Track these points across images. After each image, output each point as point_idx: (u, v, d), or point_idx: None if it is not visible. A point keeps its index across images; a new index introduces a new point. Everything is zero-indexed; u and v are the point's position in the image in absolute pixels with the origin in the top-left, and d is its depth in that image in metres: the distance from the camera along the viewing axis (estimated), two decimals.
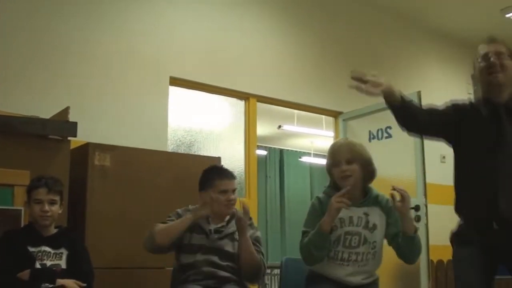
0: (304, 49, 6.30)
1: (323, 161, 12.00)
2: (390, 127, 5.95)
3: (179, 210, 3.66)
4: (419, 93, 5.67)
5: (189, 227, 3.53)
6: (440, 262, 6.40)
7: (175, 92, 5.36)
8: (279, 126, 10.26)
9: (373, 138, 6.09)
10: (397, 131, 5.83)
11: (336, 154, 3.38)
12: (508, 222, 2.87)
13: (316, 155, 12.56)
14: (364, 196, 3.35)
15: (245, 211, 3.56)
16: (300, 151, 12.96)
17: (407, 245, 3.25)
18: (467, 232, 3.04)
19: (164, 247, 3.50)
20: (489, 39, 3.27)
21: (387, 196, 3.31)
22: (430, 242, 5.50)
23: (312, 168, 13.15)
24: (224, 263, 3.55)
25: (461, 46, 8.10)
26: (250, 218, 3.66)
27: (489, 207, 2.92)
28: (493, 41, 3.24)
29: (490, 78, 3.13)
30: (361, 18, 6.92)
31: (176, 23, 5.39)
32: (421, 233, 5.38)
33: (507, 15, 7.22)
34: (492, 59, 3.12)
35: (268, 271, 10.16)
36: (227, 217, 3.68)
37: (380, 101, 6.16)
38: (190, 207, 3.68)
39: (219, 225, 3.65)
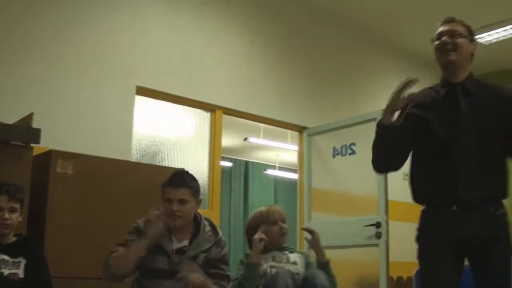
0: (271, 63, 6.32)
1: (288, 174, 12.12)
2: (354, 144, 6.00)
3: (140, 223, 3.38)
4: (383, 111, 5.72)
5: (150, 249, 3.29)
6: (399, 278, 6.45)
7: (141, 102, 5.34)
8: (245, 138, 10.27)
9: (337, 154, 6.13)
10: (361, 148, 5.92)
11: (271, 214, 3.91)
12: (466, 203, 2.89)
13: (281, 168, 12.61)
14: (283, 245, 3.90)
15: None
16: (265, 164, 12.99)
17: (324, 271, 3.69)
18: (429, 226, 3.03)
19: (123, 276, 3.33)
20: (446, 19, 3.29)
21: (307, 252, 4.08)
22: (391, 259, 5.53)
23: (276, 181, 13.19)
24: None
25: (426, 65, 8.19)
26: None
27: (448, 188, 2.94)
28: (449, 21, 3.27)
29: (443, 57, 3.16)
30: (328, 34, 6.97)
31: (145, 33, 5.38)
32: (381, 250, 5.46)
33: None
34: (444, 38, 3.16)
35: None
36: (192, 232, 3.46)
37: (345, 117, 6.27)
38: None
39: (182, 245, 3.41)
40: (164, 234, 3.34)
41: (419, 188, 3.15)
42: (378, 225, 5.52)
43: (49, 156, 3.98)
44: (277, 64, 6.38)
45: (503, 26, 7.04)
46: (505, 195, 3.00)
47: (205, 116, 5.79)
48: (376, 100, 7.09)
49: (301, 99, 6.50)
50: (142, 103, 5.35)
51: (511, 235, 2.95)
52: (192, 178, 3.50)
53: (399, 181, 6.97)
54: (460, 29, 3.18)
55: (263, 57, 6.28)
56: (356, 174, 5.92)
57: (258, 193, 12.94)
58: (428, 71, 8.22)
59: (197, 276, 3.25)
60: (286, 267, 3.69)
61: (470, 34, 3.20)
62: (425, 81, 7.96)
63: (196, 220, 3.51)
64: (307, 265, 3.85)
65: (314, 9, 6.77)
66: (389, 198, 5.64)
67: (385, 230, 5.47)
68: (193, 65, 5.63)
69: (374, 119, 5.78)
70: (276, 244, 3.82)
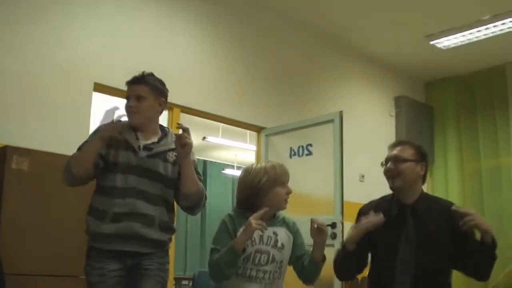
0: (231, 63, 6.34)
1: None
2: (311, 145, 6.05)
3: (101, 125, 3.41)
4: (341, 113, 5.80)
5: (112, 144, 3.29)
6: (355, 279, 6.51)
7: (99, 99, 5.31)
8: (204, 138, 10.29)
9: (294, 154, 6.18)
10: (318, 149, 5.99)
11: (284, 175, 3.37)
12: None
13: (239, 168, 12.64)
14: (273, 216, 3.40)
15: (184, 128, 3.29)
16: (223, 163, 13.02)
17: (312, 269, 3.40)
18: None
19: (81, 177, 3.29)
20: (394, 143, 3.52)
21: (293, 219, 3.50)
22: None
23: (235, 180, 13.20)
24: (154, 193, 3.32)
25: (386, 69, 8.33)
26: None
27: None
28: (396, 145, 3.48)
29: (389, 183, 3.41)
30: (289, 37, 7.02)
31: (104, 29, 5.35)
32: (336, 250, 5.51)
33: (431, 42, 7.46)
34: (389, 164, 3.39)
35: (186, 282, 10.19)
36: (159, 135, 3.44)
37: (302, 118, 6.31)
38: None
39: (149, 142, 3.39)
40: (119, 130, 3.30)
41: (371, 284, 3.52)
42: (333, 225, 5.57)
43: (4, 152, 3.95)
44: (237, 64, 6.40)
45: (461, 32, 7.16)
46: None
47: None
48: (335, 103, 7.18)
49: (260, 100, 6.54)
50: (99, 100, 5.32)
51: None
52: (155, 79, 3.52)
53: (355, 182, 7.11)
54: (407, 153, 3.40)
55: (223, 57, 6.30)
56: (312, 174, 5.98)
57: (216, 192, 12.96)
58: (390, 75, 8.38)
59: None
60: (272, 253, 3.29)
61: (420, 156, 3.42)
62: (388, 87, 8.14)
63: (163, 127, 3.55)
64: (295, 248, 3.45)
65: (276, 12, 6.81)
66: (345, 199, 5.69)
67: (340, 231, 5.53)
68: (152, 63, 5.58)
69: (331, 120, 5.87)
70: (279, 210, 3.42)
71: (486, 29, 7.06)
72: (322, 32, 7.33)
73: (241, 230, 3.21)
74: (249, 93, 6.44)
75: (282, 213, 3.47)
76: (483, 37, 7.24)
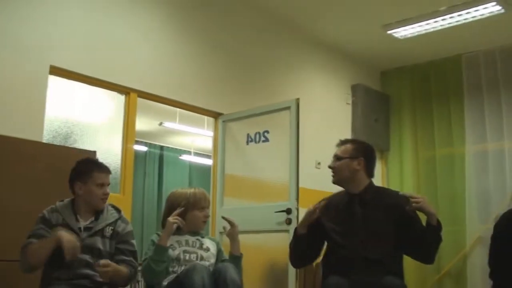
0: (189, 49, 6.31)
1: (203, 160, 12.16)
2: (267, 131, 6.07)
3: (45, 214, 3.59)
4: (297, 100, 5.84)
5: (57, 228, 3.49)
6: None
7: (55, 82, 5.24)
8: (161, 123, 10.24)
9: (251, 141, 6.18)
10: (274, 135, 6.01)
11: (202, 200, 3.94)
12: None
13: (196, 154, 12.62)
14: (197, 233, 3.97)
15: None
16: (180, 149, 12.98)
17: (235, 264, 3.76)
18: None
19: (39, 267, 3.49)
20: (339, 142, 3.98)
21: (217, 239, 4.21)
22: None
23: (191, 166, 13.21)
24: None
25: (344, 58, 8.38)
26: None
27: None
28: (340, 144, 3.96)
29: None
30: (248, 23, 7.00)
31: (59, 10, 5.23)
32: (291, 236, 5.55)
33: (388, 32, 7.52)
34: (330, 163, 3.87)
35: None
36: (94, 215, 3.69)
37: (259, 105, 6.33)
38: (57, 204, 3.65)
39: (88, 222, 3.64)
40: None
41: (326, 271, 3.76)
42: (288, 211, 5.61)
43: None
44: (195, 49, 6.37)
45: (418, 22, 7.23)
46: None
47: (120, 98, 5.72)
48: (293, 90, 7.21)
49: (218, 86, 6.52)
50: (56, 83, 5.24)
51: None
52: None
53: (311, 169, 7.16)
54: (344, 151, 3.87)
55: (181, 42, 6.26)
56: (268, 161, 6.01)
57: (172, 178, 12.93)
58: (347, 64, 8.43)
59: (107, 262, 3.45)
60: (199, 253, 3.77)
61: (357, 153, 3.85)
62: (345, 75, 8.20)
63: None
64: (218, 252, 3.96)
65: None
66: (301, 185, 5.72)
67: (295, 216, 5.56)
68: (109, 47, 5.55)
69: (288, 107, 5.90)
70: (197, 230, 3.92)
71: (442, 19, 7.12)
72: (281, 19, 7.33)
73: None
74: (207, 78, 6.42)
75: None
76: (440, 27, 7.31)
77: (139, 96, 5.81)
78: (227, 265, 3.64)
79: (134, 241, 3.77)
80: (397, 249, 3.69)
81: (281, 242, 5.61)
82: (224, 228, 4.07)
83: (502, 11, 6.84)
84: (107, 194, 3.70)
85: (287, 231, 5.59)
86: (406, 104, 8.78)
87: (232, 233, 3.93)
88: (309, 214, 3.72)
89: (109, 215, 3.72)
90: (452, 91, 8.36)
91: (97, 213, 3.69)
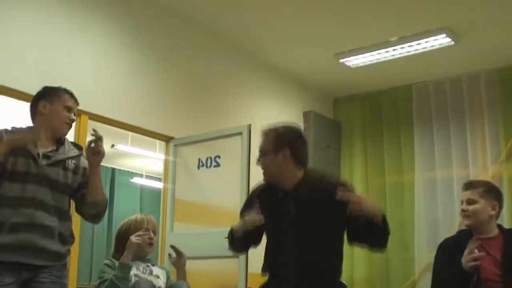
0: (142, 72, 6.28)
1: (155, 184, 12.03)
2: (219, 156, 6.06)
3: (2, 131, 3.34)
4: (249, 126, 5.85)
5: (13, 151, 3.22)
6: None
7: (2, 102, 5.16)
8: (113, 145, 10.15)
9: (202, 165, 6.17)
10: (226, 161, 6.01)
11: (144, 223, 4.07)
12: None
13: (148, 177, 12.54)
14: (148, 256, 4.07)
15: (98, 136, 3.41)
16: (132, 172, 12.88)
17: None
18: None
19: None
20: (262, 133, 3.65)
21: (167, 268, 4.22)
22: (250, 270, 5.62)
23: (143, 189, 13.10)
24: (54, 203, 3.29)
25: (296, 84, 8.44)
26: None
27: (275, 279, 3.48)
28: (261, 135, 3.65)
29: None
30: (202, 48, 7.01)
31: (12, 31, 5.17)
32: (240, 262, 5.55)
33: (341, 60, 7.62)
34: (256, 160, 3.60)
35: None
36: (55, 143, 3.45)
37: (211, 129, 6.31)
38: (12, 127, 3.43)
39: (49, 149, 3.37)
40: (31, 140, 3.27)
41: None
42: None
43: None
44: (148, 73, 6.35)
45: (369, 52, 7.35)
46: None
47: None
48: (246, 115, 7.22)
49: (170, 109, 6.51)
50: (3, 104, 5.17)
51: None
52: None
53: None
54: (266, 144, 3.53)
55: (134, 65, 6.23)
56: (219, 186, 6.00)
57: (123, 201, 12.81)
58: (299, 91, 8.49)
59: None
60: (149, 279, 3.76)
61: (278, 146, 3.47)
62: (297, 102, 8.25)
63: None
64: (167, 280, 4.01)
65: (191, 23, 6.80)
66: None
67: None
68: (59, 66, 5.49)
69: (239, 133, 5.91)
70: (143, 253, 3.95)
71: (393, 50, 7.26)
72: (235, 45, 7.37)
73: None
74: (159, 102, 6.40)
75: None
76: (391, 57, 7.45)
77: (90, 119, 5.75)
78: (181, 283, 3.69)
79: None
80: (335, 247, 3.42)
81: (231, 268, 5.59)
82: (169, 255, 4.06)
83: (452, 43, 7.00)
84: (73, 120, 3.49)
85: (237, 257, 5.57)
86: (357, 131, 8.89)
87: (180, 262, 3.99)
88: (249, 222, 3.36)
89: (70, 149, 3.48)
90: (403, 120, 8.49)
91: (58, 142, 3.44)
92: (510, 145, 7.63)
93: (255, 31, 7.04)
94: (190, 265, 3.98)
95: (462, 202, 3.97)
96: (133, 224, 4.02)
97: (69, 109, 3.46)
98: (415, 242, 7.93)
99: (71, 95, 3.56)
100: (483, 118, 7.87)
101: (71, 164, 3.41)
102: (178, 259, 3.96)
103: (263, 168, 3.52)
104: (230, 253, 5.56)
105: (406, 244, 8.05)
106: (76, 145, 3.63)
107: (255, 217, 3.34)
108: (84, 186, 3.46)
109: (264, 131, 3.59)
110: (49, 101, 3.45)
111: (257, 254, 5.59)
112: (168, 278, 4.00)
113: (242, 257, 5.54)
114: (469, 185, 3.99)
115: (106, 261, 3.86)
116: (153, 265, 3.98)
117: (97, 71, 5.85)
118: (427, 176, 8.15)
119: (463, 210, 3.91)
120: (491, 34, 6.95)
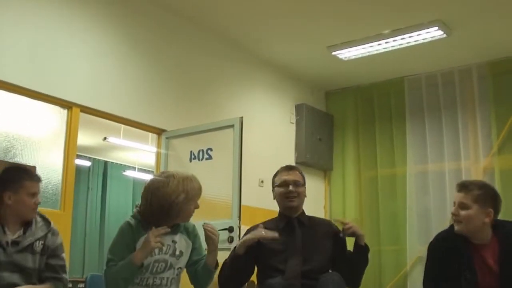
0: (134, 65, 6.26)
1: (148, 176, 12.08)
2: (211, 149, 6.06)
3: None
4: (241, 119, 5.85)
5: None
6: (250, 283, 6.55)
7: None
8: (105, 138, 10.15)
9: (194, 158, 6.17)
10: (218, 153, 6.01)
11: (199, 190, 3.54)
12: None
13: (140, 170, 12.53)
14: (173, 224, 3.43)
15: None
16: (124, 165, 12.88)
17: (204, 275, 3.50)
18: None
19: None
20: (288, 167, 4.01)
21: (193, 223, 3.61)
22: None
23: (135, 182, 13.10)
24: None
25: (289, 77, 8.45)
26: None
27: None
28: (291, 169, 3.99)
29: (287, 203, 3.86)
30: (194, 41, 7.00)
31: (1, 24, 5.17)
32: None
33: (333, 53, 7.62)
34: (290, 187, 3.84)
35: (82, 285, 9.96)
36: (22, 227, 3.48)
37: (204, 122, 6.29)
38: None
39: (16, 236, 3.42)
40: None
41: None
42: (230, 229, 5.61)
43: None
44: (141, 65, 6.34)
45: (362, 44, 7.34)
46: None
47: (62, 113, 5.65)
48: (238, 108, 7.22)
49: (163, 102, 6.50)
50: None
51: None
52: None
53: (254, 187, 7.17)
54: (300, 178, 3.93)
55: (127, 57, 6.21)
56: (211, 178, 5.96)
57: (116, 194, 12.82)
58: (292, 83, 8.50)
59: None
60: (169, 260, 3.38)
61: (304, 182, 3.96)
62: (289, 95, 8.27)
63: None
64: (193, 251, 3.54)
65: (181, 15, 6.78)
66: (243, 203, 5.73)
67: (237, 235, 5.56)
68: (52, 60, 5.48)
69: (231, 126, 5.91)
70: (183, 222, 3.52)
71: (386, 43, 7.27)
72: (228, 38, 7.36)
73: (140, 241, 3.26)
74: (151, 95, 6.40)
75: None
76: (383, 50, 7.45)
77: (82, 111, 5.74)
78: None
79: (63, 255, 3.60)
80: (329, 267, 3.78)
81: (223, 260, 5.59)
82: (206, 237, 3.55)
83: (444, 36, 7.00)
84: (38, 204, 3.52)
85: (229, 249, 5.57)
86: (350, 124, 8.89)
87: (213, 243, 3.49)
88: (258, 235, 3.62)
89: (38, 229, 3.51)
90: (395, 113, 8.51)
91: (25, 225, 3.48)
92: (502, 138, 7.66)
93: (248, 24, 7.03)
94: None
95: (454, 203, 3.64)
96: (191, 192, 3.41)
97: (33, 195, 3.48)
98: (406, 234, 7.95)
99: (33, 178, 3.57)
100: (475, 111, 7.89)
101: (38, 245, 3.47)
102: (211, 241, 3.48)
103: (298, 196, 3.91)
104: (222, 245, 5.64)
105: (398, 236, 8.09)
106: (44, 219, 3.62)
107: (271, 232, 3.63)
108: (45, 270, 3.51)
109: (291, 166, 4.13)
110: (13, 192, 3.44)
111: None
112: (193, 249, 3.53)
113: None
114: (462, 187, 3.63)
115: (125, 227, 3.35)
116: (181, 233, 3.48)
117: (89, 64, 5.83)
118: (419, 169, 8.16)
119: (454, 214, 3.61)
120: (483, 27, 6.97)
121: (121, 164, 12.90)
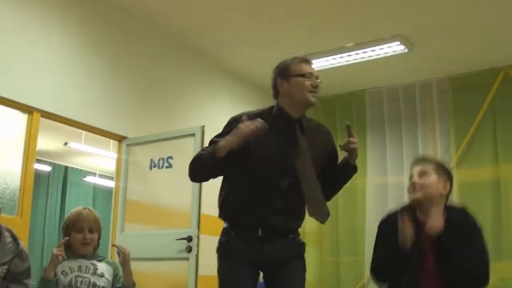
0: (97, 70, 6.23)
1: (108, 183, 12.00)
2: (171, 157, 6.04)
3: None
4: (202, 128, 5.85)
5: None
6: None
7: None
8: (66, 143, 10.07)
9: (154, 166, 6.14)
10: (178, 162, 5.99)
11: (80, 221, 3.71)
12: (272, 230, 3.24)
13: (101, 176, 12.46)
14: (94, 252, 3.81)
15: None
16: (85, 170, 12.78)
17: None
18: (233, 241, 3.32)
19: None
20: (306, 59, 3.54)
21: (117, 264, 3.83)
22: (200, 273, 5.62)
23: (96, 188, 13.02)
24: None
25: (251, 86, 8.45)
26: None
27: (259, 214, 3.24)
28: (310, 62, 3.55)
29: (310, 97, 3.38)
30: (158, 48, 6.99)
31: None
32: (190, 264, 5.55)
33: None
34: (318, 80, 3.42)
35: None
36: None
37: (165, 130, 6.29)
38: None
39: None
40: None
41: (230, 207, 3.46)
42: (189, 239, 5.60)
43: None
44: (103, 72, 6.30)
45: (325, 57, 7.38)
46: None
47: (22, 117, 5.58)
48: (199, 117, 7.21)
49: (125, 109, 6.46)
50: None
51: (304, 257, 3.39)
52: None
53: (213, 196, 7.12)
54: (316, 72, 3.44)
55: (89, 63, 6.17)
56: (171, 187, 5.98)
57: (76, 199, 12.69)
58: (254, 92, 8.51)
59: None
60: (91, 278, 3.65)
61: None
62: (252, 104, 8.26)
63: None
64: (115, 277, 3.77)
65: (143, 22, 6.76)
66: (203, 212, 5.72)
67: (195, 244, 5.56)
68: (12, 64, 5.42)
69: (193, 134, 5.91)
70: (80, 254, 3.72)
71: (348, 56, 7.35)
72: (190, 46, 7.36)
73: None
74: (113, 101, 6.36)
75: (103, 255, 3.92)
76: (345, 63, 7.52)
77: (43, 116, 5.68)
78: None
79: (28, 280, 3.45)
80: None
81: (181, 270, 5.59)
82: (118, 254, 3.79)
83: (406, 50, 7.11)
84: None
85: (187, 259, 5.57)
86: None
87: (123, 261, 3.74)
88: (244, 134, 3.21)
89: (5, 251, 3.33)
90: (356, 125, 8.57)
91: None
92: (461, 152, 7.78)
93: (211, 32, 7.04)
94: (140, 266, 3.95)
95: (411, 177, 3.57)
96: (70, 219, 3.71)
97: None
98: (365, 246, 8.01)
99: None
100: (434, 125, 8.01)
101: (3, 270, 3.32)
102: (122, 258, 3.73)
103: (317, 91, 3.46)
104: (180, 254, 5.64)
105: (357, 248, 8.15)
106: (14, 238, 3.44)
107: (258, 124, 3.21)
108: None
109: (307, 58, 3.60)
110: None
111: (207, 257, 5.62)
112: (116, 275, 3.77)
113: (192, 259, 5.55)
114: (421, 159, 3.66)
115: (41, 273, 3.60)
116: (100, 260, 3.76)
117: (50, 69, 5.78)
118: (379, 181, 8.25)
119: (413, 183, 3.51)
120: (444, 43, 7.09)
121: (81, 170, 12.81)
